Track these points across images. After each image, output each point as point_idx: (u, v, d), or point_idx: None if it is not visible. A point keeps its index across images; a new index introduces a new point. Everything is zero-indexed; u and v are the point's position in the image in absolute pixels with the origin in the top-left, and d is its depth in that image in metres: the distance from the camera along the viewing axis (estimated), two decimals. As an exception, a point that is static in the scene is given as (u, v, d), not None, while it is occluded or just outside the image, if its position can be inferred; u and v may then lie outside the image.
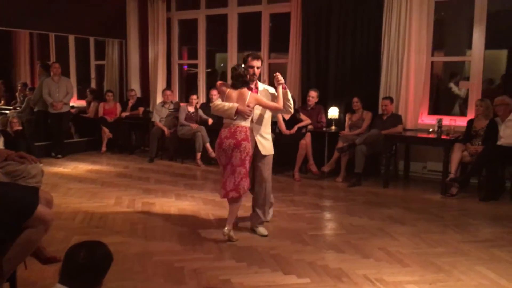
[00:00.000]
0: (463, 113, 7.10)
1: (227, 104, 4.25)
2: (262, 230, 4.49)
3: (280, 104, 4.34)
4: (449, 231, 4.60)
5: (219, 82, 4.55)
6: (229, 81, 4.50)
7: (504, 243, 4.25)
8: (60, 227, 4.50)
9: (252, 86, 4.42)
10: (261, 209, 4.55)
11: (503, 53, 7.98)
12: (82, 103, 9.95)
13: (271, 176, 4.58)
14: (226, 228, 4.25)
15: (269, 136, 4.55)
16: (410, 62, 6.83)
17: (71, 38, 10.08)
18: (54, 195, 5.68)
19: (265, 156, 4.47)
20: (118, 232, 4.49)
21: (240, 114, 4.21)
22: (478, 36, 6.61)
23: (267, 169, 4.50)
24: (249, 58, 4.38)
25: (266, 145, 4.48)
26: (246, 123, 4.28)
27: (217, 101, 4.39)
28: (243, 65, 4.36)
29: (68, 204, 5.41)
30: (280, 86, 4.36)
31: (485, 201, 5.68)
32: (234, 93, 4.29)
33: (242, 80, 4.29)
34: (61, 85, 8.36)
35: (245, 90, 4.27)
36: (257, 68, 4.40)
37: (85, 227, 4.64)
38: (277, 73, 4.37)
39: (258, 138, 4.44)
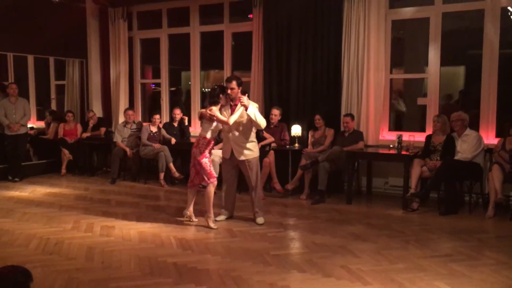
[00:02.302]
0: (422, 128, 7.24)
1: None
2: (258, 219, 5.48)
3: (229, 121, 5.14)
4: (410, 246, 4.64)
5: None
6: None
7: (463, 258, 4.31)
8: (12, 255, 4.32)
9: (232, 103, 5.32)
10: (256, 205, 5.51)
11: (461, 69, 8.24)
12: (41, 124, 9.68)
13: (259, 177, 5.51)
14: (211, 217, 5.26)
15: (248, 144, 5.33)
16: (370, 79, 6.95)
17: (30, 58, 9.85)
18: (8, 220, 5.55)
19: (243, 160, 5.30)
20: (73, 258, 4.32)
21: (202, 116, 5.24)
22: (434, 54, 6.80)
23: (252, 173, 5.38)
24: (225, 81, 5.37)
25: (241, 151, 5.30)
26: (207, 134, 5.25)
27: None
28: (216, 86, 5.30)
29: (22, 229, 5.19)
30: (243, 108, 5.15)
31: (444, 215, 5.78)
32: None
33: (214, 100, 5.19)
34: (18, 107, 8.12)
35: (215, 106, 5.17)
36: (231, 89, 5.27)
37: (39, 253, 4.45)
38: (242, 96, 5.20)
39: (233, 145, 5.30)
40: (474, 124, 6.48)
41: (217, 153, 7.17)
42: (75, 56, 9.51)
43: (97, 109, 9.41)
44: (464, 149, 5.99)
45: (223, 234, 5.07)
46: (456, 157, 6.00)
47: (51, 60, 9.94)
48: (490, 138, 6.44)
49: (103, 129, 8.94)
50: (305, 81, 7.37)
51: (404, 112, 7.95)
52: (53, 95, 10.16)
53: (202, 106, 5.55)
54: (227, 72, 8.47)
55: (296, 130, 7.23)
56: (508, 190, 5.90)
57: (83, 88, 9.62)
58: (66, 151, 8.65)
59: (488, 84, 6.49)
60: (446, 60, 6.94)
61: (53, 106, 10.01)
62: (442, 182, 5.97)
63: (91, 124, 8.89)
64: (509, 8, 6.66)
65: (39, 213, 5.93)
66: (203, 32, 8.76)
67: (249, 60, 7.94)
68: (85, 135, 8.75)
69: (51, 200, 6.73)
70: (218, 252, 4.48)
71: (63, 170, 8.67)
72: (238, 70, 8.83)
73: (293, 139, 7.24)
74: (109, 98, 9.47)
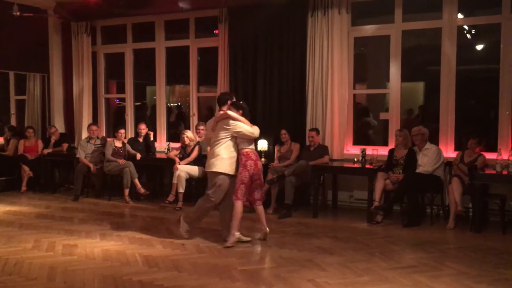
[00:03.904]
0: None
1: (254, 127, 5.27)
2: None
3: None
4: (375, 259, 4.71)
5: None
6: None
7: (426, 268, 4.41)
8: (-32, 277, 4.14)
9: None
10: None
11: (421, 85, 8.52)
12: (0, 140, 9.38)
13: None
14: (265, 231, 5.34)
15: None
16: (334, 95, 7.09)
17: (-11, 72, 9.57)
18: (-38, 242, 5.30)
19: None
20: (34, 279, 4.18)
21: None
22: (395, 70, 7.02)
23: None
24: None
25: None
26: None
27: (241, 123, 5.16)
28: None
29: (-21, 250, 5.00)
30: None
31: (407, 227, 5.91)
32: (247, 121, 5.25)
33: (248, 113, 5.34)
34: (-25, 122, 7.86)
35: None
36: None
37: (-3, 275, 4.29)
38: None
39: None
40: (434, 138, 6.70)
41: (184, 168, 7.15)
42: (37, 71, 9.30)
43: (59, 125, 9.20)
44: (425, 162, 6.17)
45: (190, 250, 5.02)
46: (417, 170, 6.17)
47: (11, 74, 9.69)
48: (449, 152, 6.66)
49: (65, 145, 8.74)
50: (271, 96, 7.46)
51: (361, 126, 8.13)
52: (13, 110, 9.88)
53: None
54: (193, 87, 8.47)
55: (263, 144, 7.28)
56: (468, 202, 6.09)
57: (44, 103, 9.39)
58: (26, 168, 8.40)
59: (446, 99, 6.73)
60: (406, 76, 7.17)
61: (13, 121, 9.73)
62: (404, 195, 6.11)
63: (53, 140, 8.68)
64: (465, 26, 6.96)
65: (-2, 233, 5.73)
66: (168, 47, 8.74)
67: (215, 75, 7.97)
68: (46, 151, 8.53)
69: (10, 218, 6.50)
70: (185, 268, 4.43)
71: (24, 188, 8.41)
72: (204, 85, 8.85)
73: (259, 153, 7.26)
74: (71, 114, 9.29)
